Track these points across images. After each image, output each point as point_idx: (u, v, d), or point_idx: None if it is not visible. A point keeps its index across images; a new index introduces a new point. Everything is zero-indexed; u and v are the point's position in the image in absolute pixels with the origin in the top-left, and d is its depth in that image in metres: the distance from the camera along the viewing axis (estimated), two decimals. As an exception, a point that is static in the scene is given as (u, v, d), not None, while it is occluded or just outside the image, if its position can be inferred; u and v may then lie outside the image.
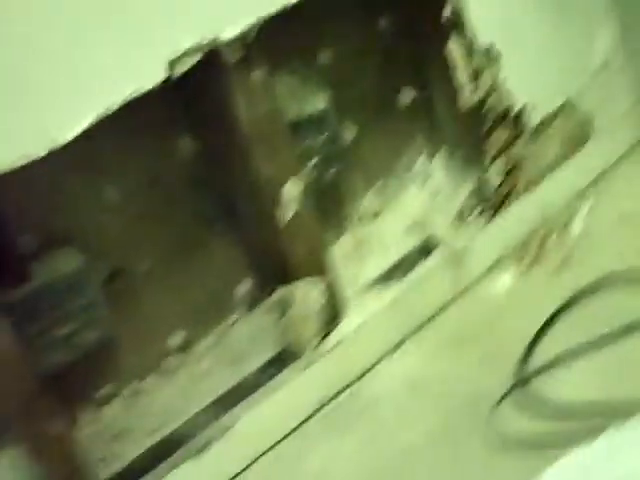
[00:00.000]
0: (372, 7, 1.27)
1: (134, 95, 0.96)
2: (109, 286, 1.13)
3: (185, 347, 1.23)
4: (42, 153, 0.91)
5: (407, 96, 1.33)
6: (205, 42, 0.99)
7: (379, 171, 1.35)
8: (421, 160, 1.38)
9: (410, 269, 1.28)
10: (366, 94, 1.30)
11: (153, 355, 1.22)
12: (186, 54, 0.98)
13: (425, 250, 1.30)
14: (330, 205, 1.27)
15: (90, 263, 1.08)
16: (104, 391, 1.19)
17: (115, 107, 0.95)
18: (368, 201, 1.34)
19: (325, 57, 1.24)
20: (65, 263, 1.07)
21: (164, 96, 1.04)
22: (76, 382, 1.14)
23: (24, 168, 0.90)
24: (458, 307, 1.29)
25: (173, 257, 1.19)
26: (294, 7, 1.04)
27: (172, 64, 0.97)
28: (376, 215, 1.34)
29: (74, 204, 1.10)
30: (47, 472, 1.05)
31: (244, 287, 1.25)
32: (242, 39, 1.01)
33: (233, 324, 1.26)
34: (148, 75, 0.96)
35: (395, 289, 1.26)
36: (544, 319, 1.19)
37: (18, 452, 1.08)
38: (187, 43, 0.97)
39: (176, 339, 1.22)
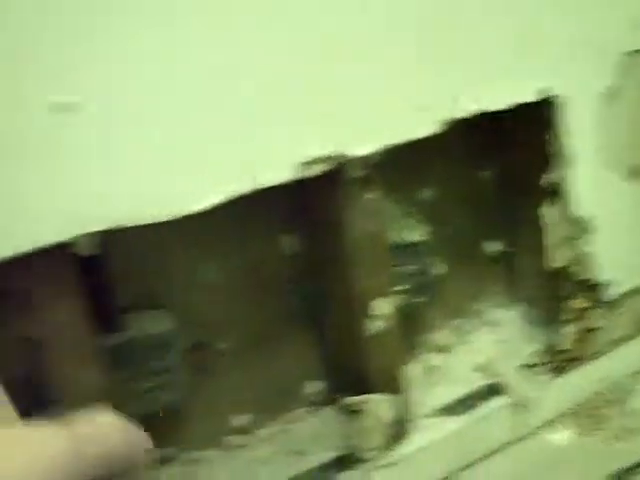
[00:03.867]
0: (478, 159, 1.34)
1: (264, 185, 1.01)
2: (190, 356, 1.16)
3: (248, 430, 1.25)
4: (165, 218, 0.95)
5: (493, 247, 1.38)
6: (333, 155, 1.05)
7: (456, 310, 1.39)
8: (496, 309, 1.42)
9: (474, 406, 1.29)
10: (457, 237, 1.35)
11: (216, 430, 1.24)
12: (315, 161, 1.04)
13: (491, 391, 1.31)
14: (410, 330, 1.30)
15: (178, 330, 1.12)
16: (164, 452, 1.21)
17: (244, 192, 1.00)
18: (442, 335, 1.38)
19: (427, 195, 1.30)
20: (157, 324, 1.11)
21: (283, 193, 1.09)
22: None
23: (144, 228, 0.94)
24: (514, 451, 1.29)
25: (253, 342, 1.23)
26: (411, 144, 1.10)
27: (303, 166, 1.03)
28: (447, 349, 1.38)
29: (176, 273, 1.15)
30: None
31: (314, 387, 1.28)
32: (366, 159, 1.07)
33: (298, 419, 1.28)
34: (282, 171, 1.01)
35: (458, 421, 1.27)
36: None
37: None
38: (317, 152, 1.03)
39: (241, 420, 1.25)
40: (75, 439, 0.47)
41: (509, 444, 1.30)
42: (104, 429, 0.50)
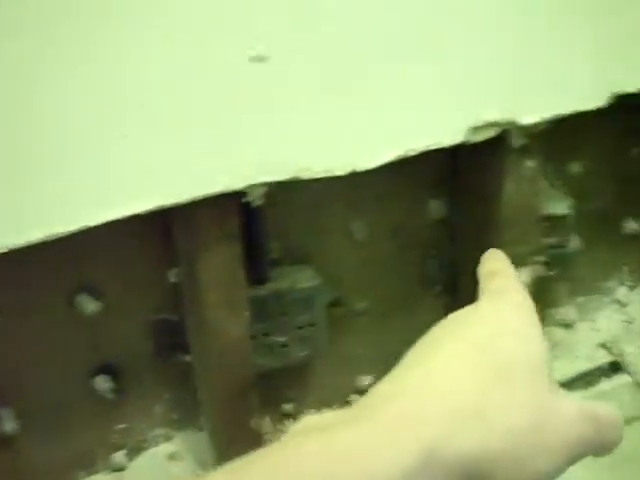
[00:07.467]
0: (628, 137, 1.29)
1: (430, 148, 0.99)
2: (328, 312, 1.13)
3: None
4: (338, 173, 0.94)
5: (631, 227, 1.35)
6: (502, 121, 1.02)
7: (585, 288, 1.36)
8: (623, 289, 1.39)
9: (594, 382, 1.27)
10: (598, 214, 1.31)
11: (341, 389, 1.23)
12: (485, 127, 1.01)
13: (613, 368, 1.29)
14: (537, 304, 1.27)
15: (322, 286, 1.10)
16: (288, 407, 1.21)
17: (411, 153, 0.98)
18: (567, 311, 1.35)
19: (575, 169, 1.27)
20: (302, 279, 1.09)
21: (434, 158, 1.06)
22: (270, 390, 1.15)
23: (305, 184, 0.94)
24: (635, 429, 1.24)
25: (388, 305, 1.20)
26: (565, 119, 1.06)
27: (471, 131, 1.01)
28: (571, 325, 1.35)
29: (324, 231, 1.13)
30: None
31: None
32: (531, 128, 1.04)
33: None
34: (449, 135, 0.99)
35: (577, 397, 1.24)
36: None
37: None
38: (489, 117, 1.01)
39: (365, 381, 1.23)
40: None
41: (629, 421, 1.26)
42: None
